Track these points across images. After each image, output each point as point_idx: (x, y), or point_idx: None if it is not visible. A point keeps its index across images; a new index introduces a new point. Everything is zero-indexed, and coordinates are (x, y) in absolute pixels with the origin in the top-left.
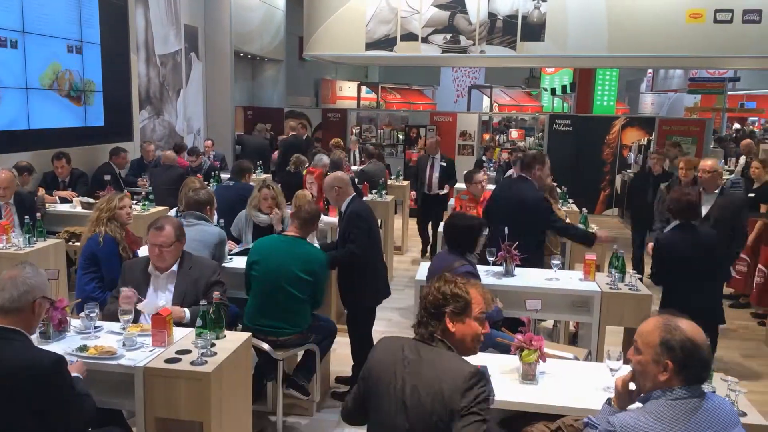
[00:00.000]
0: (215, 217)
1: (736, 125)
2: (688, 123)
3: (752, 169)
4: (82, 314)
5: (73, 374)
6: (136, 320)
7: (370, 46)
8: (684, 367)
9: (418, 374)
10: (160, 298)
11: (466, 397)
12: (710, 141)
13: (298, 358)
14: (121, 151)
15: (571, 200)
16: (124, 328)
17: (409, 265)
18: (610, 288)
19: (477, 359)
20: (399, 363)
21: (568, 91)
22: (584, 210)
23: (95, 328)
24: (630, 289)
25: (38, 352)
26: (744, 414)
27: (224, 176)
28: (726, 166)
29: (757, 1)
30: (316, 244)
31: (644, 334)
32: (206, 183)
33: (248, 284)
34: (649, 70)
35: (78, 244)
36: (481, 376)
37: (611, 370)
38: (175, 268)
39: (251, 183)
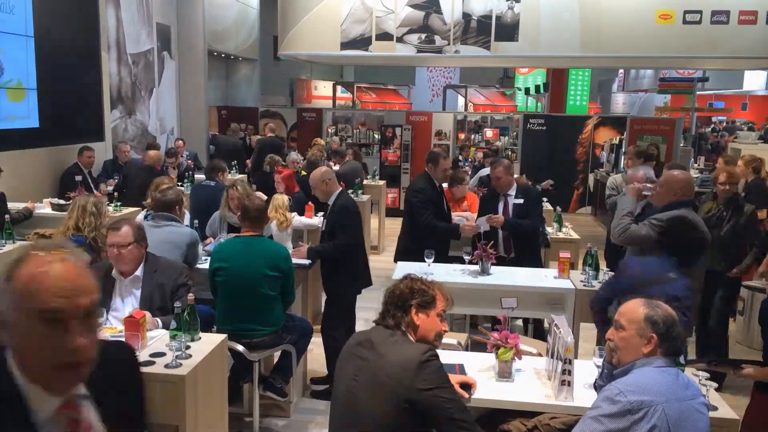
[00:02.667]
0: (187, 216)
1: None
2: (658, 122)
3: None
4: None
5: None
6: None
7: (345, 45)
8: (665, 339)
9: (376, 352)
10: (126, 303)
11: (424, 370)
12: (680, 140)
13: (275, 359)
14: (85, 149)
15: (545, 199)
16: None
17: (386, 265)
18: (584, 285)
19: (454, 358)
20: (361, 344)
21: (542, 90)
22: (558, 208)
23: None
24: None
25: None
26: (715, 408)
27: (198, 176)
28: (696, 165)
29: (725, 2)
30: (290, 245)
31: (627, 312)
32: (179, 183)
33: (214, 290)
34: (621, 71)
35: None
36: (434, 350)
37: (597, 366)
38: (139, 272)
39: (226, 182)
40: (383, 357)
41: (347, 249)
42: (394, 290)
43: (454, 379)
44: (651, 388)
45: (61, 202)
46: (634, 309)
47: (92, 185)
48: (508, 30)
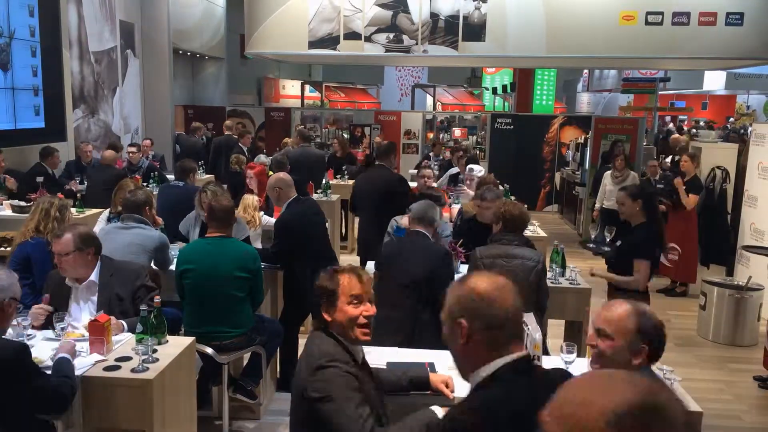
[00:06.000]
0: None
1: (671, 125)
2: (622, 121)
3: (681, 162)
4: (13, 322)
5: (61, 355)
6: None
7: (313, 44)
8: (657, 349)
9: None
10: (83, 310)
11: (316, 376)
12: (643, 138)
13: (245, 361)
14: (54, 151)
15: (513, 197)
16: (59, 336)
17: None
18: (552, 282)
19: (425, 357)
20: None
21: (509, 90)
22: (526, 206)
23: (27, 336)
24: (570, 283)
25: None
26: None
27: (169, 177)
28: (659, 161)
29: (686, 3)
30: (260, 246)
31: (616, 321)
32: (145, 184)
33: (181, 292)
34: (585, 71)
35: (9, 249)
36: (333, 358)
37: (566, 363)
38: (94, 277)
39: (196, 183)
40: (301, 360)
41: (276, 260)
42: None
43: (437, 378)
44: None
45: (22, 204)
46: (623, 318)
47: (51, 187)
48: (476, 30)
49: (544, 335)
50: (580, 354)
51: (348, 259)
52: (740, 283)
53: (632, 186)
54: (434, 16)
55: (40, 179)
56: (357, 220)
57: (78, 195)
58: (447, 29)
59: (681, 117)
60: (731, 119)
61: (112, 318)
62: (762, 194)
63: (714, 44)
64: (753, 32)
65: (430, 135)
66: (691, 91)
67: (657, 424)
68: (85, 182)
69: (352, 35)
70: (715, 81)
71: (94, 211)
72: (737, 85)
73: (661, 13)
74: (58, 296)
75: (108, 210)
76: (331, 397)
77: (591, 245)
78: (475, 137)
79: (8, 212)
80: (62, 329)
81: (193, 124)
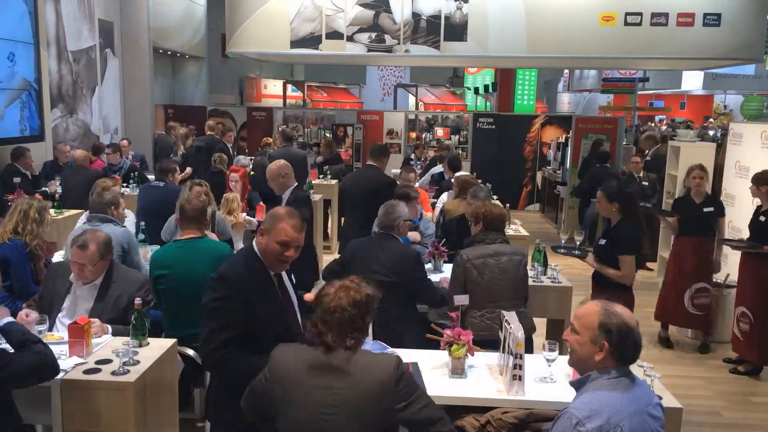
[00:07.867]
0: (131, 219)
1: (651, 125)
2: (602, 121)
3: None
4: None
5: (6, 320)
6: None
7: (294, 44)
8: (618, 348)
9: (345, 379)
10: (78, 307)
11: (400, 386)
12: (623, 138)
13: None
14: (25, 151)
15: (495, 196)
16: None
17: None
18: (534, 281)
19: (408, 356)
20: (318, 370)
21: (491, 90)
22: (507, 205)
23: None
24: (552, 281)
25: None
26: (659, 397)
27: (150, 177)
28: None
29: (665, 4)
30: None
31: (583, 316)
32: (125, 184)
33: (157, 298)
34: (566, 71)
35: None
36: (399, 360)
37: (547, 360)
38: (98, 281)
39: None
40: (356, 382)
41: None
42: (341, 314)
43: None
44: (608, 408)
45: None
46: (590, 314)
47: (27, 187)
48: (457, 30)
49: (532, 331)
50: (562, 352)
51: (330, 259)
52: (719, 281)
53: (611, 186)
54: (416, 16)
55: (17, 180)
56: (341, 219)
57: (56, 196)
58: (429, 29)
59: (660, 116)
60: (710, 119)
61: (97, 321)
62: (739, 193)
63: (692, 45)
64: (730, 33)
65: (413, 135)
66: (669, 91)
67: None
68: (59, 183)
69: (334, 35)
70: (693, 81)
71: (73, 212)
72: (715, 85)
73: (640, 14)
74: (58, 287)
75: (87, 212)
76: (418, 395)
77: (561, 250)
78: (457, 137)
79: None
80: (40, 332)
81: (169, 123)
